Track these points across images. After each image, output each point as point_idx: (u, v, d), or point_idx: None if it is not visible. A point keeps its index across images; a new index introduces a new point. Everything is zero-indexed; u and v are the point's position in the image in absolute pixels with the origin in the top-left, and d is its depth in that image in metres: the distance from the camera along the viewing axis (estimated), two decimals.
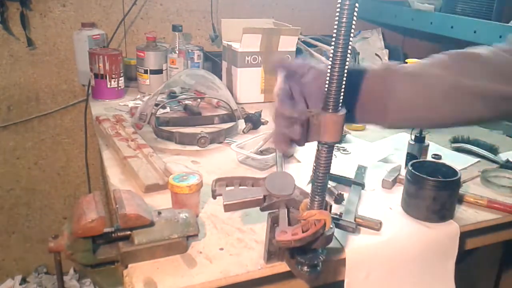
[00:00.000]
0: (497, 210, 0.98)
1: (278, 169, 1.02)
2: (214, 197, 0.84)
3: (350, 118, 0.65)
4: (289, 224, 0.71)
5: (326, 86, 0.59)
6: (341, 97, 0.60)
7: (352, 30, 0.55)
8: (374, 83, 0.67)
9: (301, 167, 1.13)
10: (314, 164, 0.64)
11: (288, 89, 0.65)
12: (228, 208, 0.78)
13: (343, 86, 0.59)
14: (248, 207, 0.79)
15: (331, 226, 0.69)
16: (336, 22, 0.55)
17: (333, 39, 0.56)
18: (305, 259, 0.70)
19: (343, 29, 0.55)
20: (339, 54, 0.56)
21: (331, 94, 0.59)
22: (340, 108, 0.60)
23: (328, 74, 0.58)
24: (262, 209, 0.77)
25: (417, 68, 0.69)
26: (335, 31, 0.56)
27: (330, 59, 0.57)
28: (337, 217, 0.86)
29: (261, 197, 0.77)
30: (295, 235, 0.66)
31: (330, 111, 0.60)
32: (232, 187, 0.85)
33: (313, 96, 0.64)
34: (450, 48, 0.71)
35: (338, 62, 0.57)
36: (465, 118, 0.67)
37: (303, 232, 0.66)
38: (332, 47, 0.57)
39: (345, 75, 0.58)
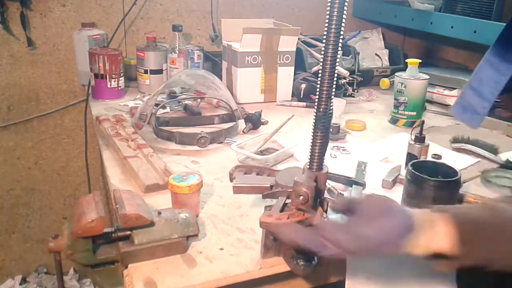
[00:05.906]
0: None
1: None
2: (231, 180, 0.90)
3: None
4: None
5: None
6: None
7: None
8: None
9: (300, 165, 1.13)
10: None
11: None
12: (236, 190, 0.84)
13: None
14: (254, 192, 0.84)
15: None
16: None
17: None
18: (300, 253, 0.71)
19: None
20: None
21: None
22: None
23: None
24: (264, 196, 0.81)
25: None
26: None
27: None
28: None
29: (268, 185, 0.81)
30: (278, 219, 0.68)
31: None
32: (250, 174, 0.90)
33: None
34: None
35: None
36: None
37: (288, 219, 0.68)
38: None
39: None
